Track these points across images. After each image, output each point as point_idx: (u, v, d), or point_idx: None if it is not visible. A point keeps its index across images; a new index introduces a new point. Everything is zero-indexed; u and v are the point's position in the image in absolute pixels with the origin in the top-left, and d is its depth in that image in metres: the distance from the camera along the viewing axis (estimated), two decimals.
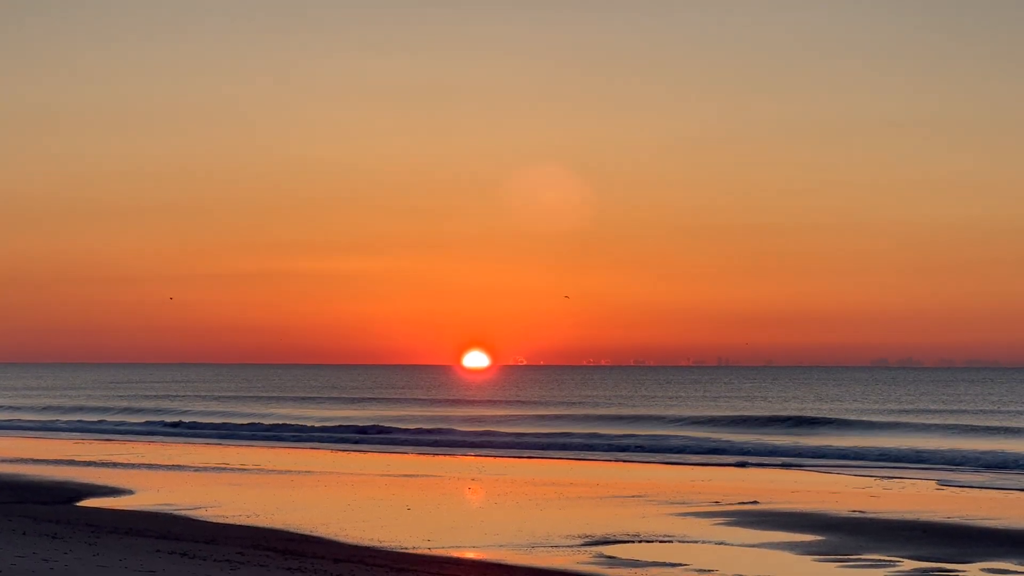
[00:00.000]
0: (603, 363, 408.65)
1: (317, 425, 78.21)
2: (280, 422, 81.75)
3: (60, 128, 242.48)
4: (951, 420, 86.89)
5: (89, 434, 74.00)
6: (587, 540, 26.07)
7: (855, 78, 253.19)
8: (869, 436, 69.19)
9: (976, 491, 39.12)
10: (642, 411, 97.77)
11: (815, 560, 24.16)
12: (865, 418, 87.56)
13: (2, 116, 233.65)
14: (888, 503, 34.77)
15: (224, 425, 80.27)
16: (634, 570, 22.62)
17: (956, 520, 30.34)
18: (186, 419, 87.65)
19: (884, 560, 24.05)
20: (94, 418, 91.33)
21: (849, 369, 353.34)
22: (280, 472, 44.97)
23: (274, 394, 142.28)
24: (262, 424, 79.43)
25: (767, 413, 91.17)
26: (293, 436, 70.97)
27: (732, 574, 22.52)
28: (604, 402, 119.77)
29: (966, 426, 79.01)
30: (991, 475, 45.81)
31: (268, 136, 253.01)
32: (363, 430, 73.83)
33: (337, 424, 78.41)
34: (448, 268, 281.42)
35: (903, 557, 24.38)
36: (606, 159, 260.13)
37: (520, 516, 30.65)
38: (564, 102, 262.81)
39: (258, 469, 46.47)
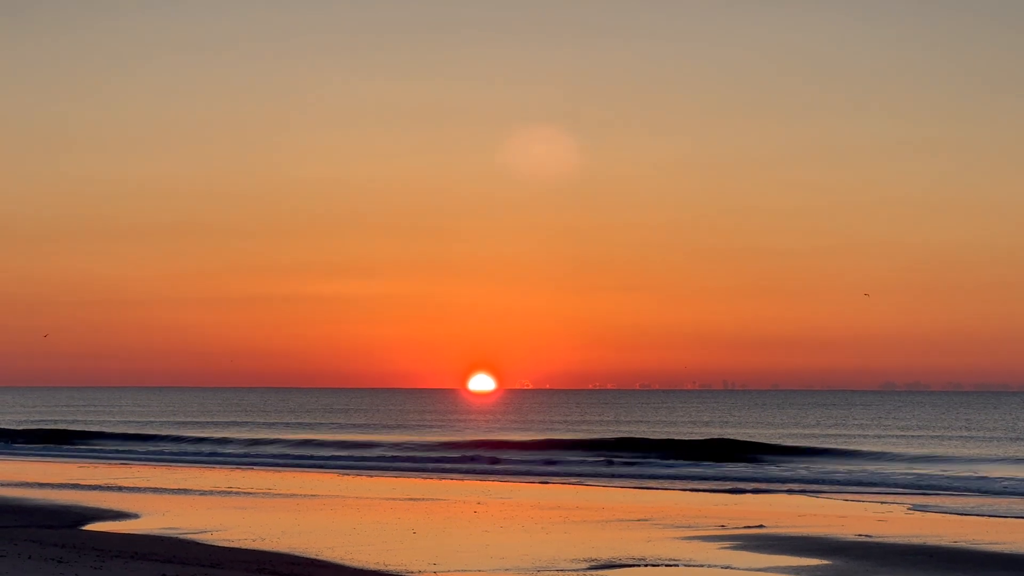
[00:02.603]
0: (609, 387, 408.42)
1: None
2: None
3: (64, 147, 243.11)
4: (961, 447, 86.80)
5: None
6: (592, 564, 26.03)
7: (863, 100, 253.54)
8: (874, 462, 69.09)
9: (983, 516, 39.03)
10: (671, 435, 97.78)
11: None
12: (872, 446, 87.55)
13: (9, 134, 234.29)
14: (895, 527, 34.71)
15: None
16: None
17: (962, 545, 30.27)
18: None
19: None
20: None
21: (857, 393, 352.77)
22: (286, 496, 44.95)
23: (305, 419, 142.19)
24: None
25: (777, 441, 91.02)
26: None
27: None
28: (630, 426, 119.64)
29: (977, 456, 78.93)
30: (997, 500, 45.75)
31: (271, 158, 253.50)
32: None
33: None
34: (452, 291, 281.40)
35: None
36: (610, 181, 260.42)
37: (526, 540, 30.61)
38: (566, 124, 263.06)
39: (264, 493, 46.45)
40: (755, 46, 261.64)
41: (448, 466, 66.51)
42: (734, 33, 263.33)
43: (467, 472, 62.17)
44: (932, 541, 30.88)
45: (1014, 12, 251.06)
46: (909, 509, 41.09)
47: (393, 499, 44.07)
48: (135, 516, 36.02)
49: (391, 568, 25.17)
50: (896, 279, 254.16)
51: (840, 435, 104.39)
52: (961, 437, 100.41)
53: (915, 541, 30.85)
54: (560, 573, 24.83)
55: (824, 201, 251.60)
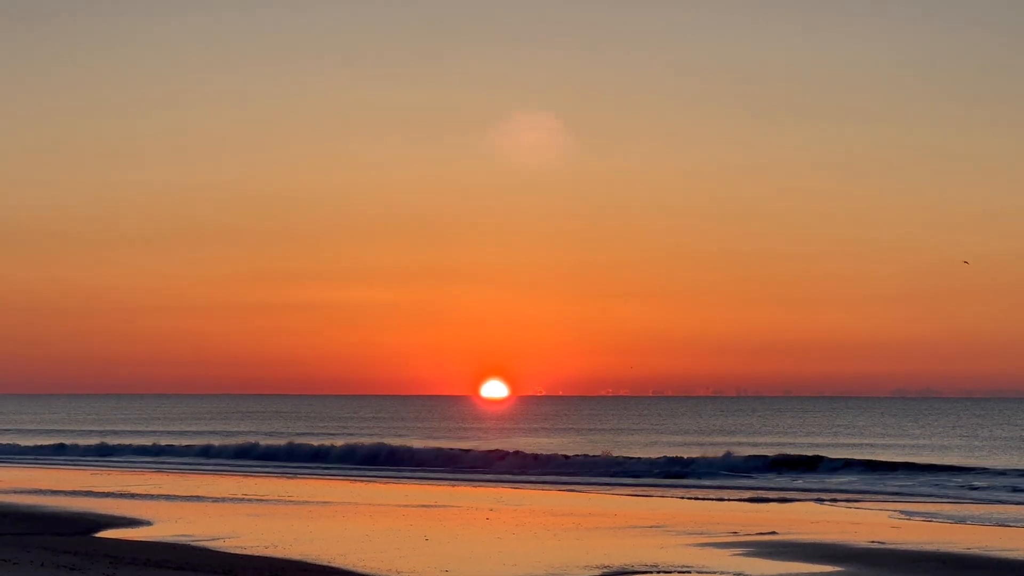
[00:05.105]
0: (622, 393, 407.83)
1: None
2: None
3: (75, 155, 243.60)
4: (989, 457, 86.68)
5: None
6: (605, 571, 26.00)
7: (872, 109, 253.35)
8: (886, 471, 69.01)
9: (996, 523, 38.96)
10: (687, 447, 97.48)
11: None
12: (884, 455, 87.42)
13: (10, 140, 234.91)
14: (908, 534, 34.63)
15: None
16: None
17: (975, 551, 30.21)
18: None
19: None
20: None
21: (869, 399, 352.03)
22: (298, 503, 44.96)
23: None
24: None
25: (795, 451, 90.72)
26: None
27: None
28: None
29: (997, 466, 78.90)
30: (1011, 508, 45.68)
31: (283, 165, 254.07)
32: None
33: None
34: (465, 298, 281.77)
35: None
36: (623, 189, 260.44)
37: (538, 546, 30.59)
38: (579, 133, 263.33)
39: (276, 500, 46.46)
40: (769, 54, 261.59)
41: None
42: (747, 42, 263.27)
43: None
44: (945, 548, 30.81)
45: (1014, 21, 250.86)
46: (921, 516, 41.01)
47: (406, 506, 44.07)
48: (148, 523, 36.04)
49: (403, 575, 25.16)
50: (907, 285, 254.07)
51: (853, 444, 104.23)
52: (978, 445, 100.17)
53: (928, 548, 30.78)
54: None
55: (837, 209, 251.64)
